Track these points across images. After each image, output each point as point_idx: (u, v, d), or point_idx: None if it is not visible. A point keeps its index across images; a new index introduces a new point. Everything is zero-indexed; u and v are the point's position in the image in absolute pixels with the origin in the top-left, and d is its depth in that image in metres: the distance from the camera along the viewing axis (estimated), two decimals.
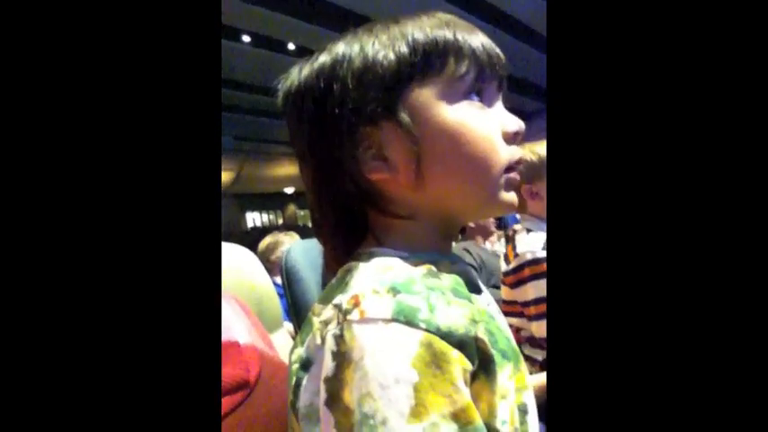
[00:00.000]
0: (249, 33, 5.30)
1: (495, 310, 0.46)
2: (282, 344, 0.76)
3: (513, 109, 0.46)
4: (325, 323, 0.36)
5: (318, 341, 0.36)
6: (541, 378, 0.95)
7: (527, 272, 1.10)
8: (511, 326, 1.17)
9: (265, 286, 0.76)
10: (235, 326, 0.52)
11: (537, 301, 1.09)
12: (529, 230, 1.16)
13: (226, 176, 11.44)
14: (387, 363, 0.32)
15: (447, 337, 0.33)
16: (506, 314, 1.21)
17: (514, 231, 1.23)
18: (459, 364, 0.33)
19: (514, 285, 1.14)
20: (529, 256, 1.10)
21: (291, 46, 5.50)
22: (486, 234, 2.31)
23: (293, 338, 0.53)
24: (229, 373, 0.47)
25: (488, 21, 4.54)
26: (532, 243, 1.11)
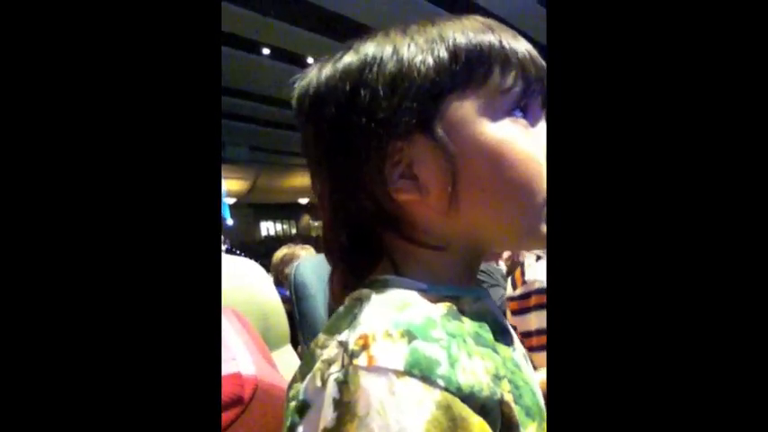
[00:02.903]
0: (269, 47, 5.40)
1: (521, 356, 0.41)
2: (287, 360, 0.76)
3: None
4: (328, 363, 0.32)
5: (319, 383, 0.32)
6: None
7: (533, 300, 1.08)
8: None
9: (272, 302, 0.75)
10: (231, 340, 0.52)
11: (539, 333, 1.05)
12: (539, 257, 1.13)
13: (241, 186, 11.59)
14: (396, 426, 0.28)
15: (469, 399, 0.29)
16: None
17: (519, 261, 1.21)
18: None
19: (518, 313, 1.11)
20: (537, 285, 1.07)
21: (310, 60, 5.59)
22: (497, 255, 2.24)
23: (299, 356, 0.52)
24: (223, 389, 0.46)
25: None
26: (542, 271, 1.07)
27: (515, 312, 1.13)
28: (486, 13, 0.40)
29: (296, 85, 0.41)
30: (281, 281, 2.16)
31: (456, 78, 0.36)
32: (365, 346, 0.30)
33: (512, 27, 0.40)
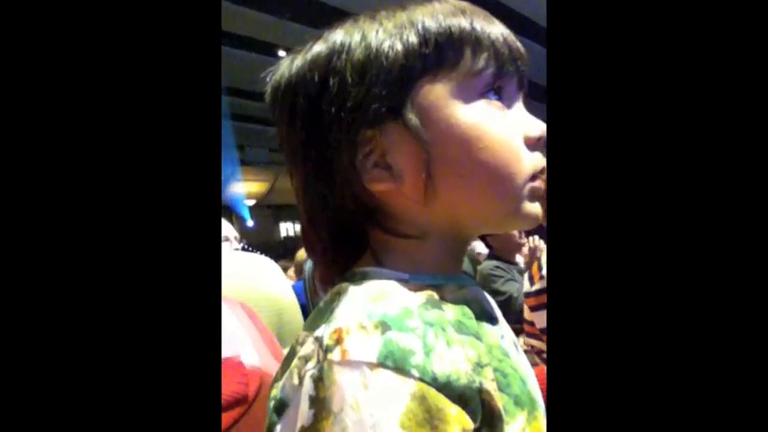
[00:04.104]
0: (285, 49, 5.43)
1: (510, 344, 0.40)
2: None
3: None
4: (305, 360, 0.31)
5: (296, 381, 0.31)
6: None
7: None
8: (533, 347, 1.13)
9: (287, 298, 0.76)
10: (237, 336, 0.51)
11: None
12: None
13: (261, 188, 11.69)
14: (370, 420, 0.27)
15: (445, 388, 0.29)
16: (528, 335, 1.17)
17: (536, 247, 1.19)
18: (459, 423, 0.28)
19: (535, 308, 1.10)
20: None
21: None
22: (514, 249, 2.17)
23: None
24: (227, 388, 0.45)
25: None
26: None
27: (533, 308, 1.11)
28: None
29: (268, 79, 0.40)
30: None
31: (426, 62, 0.35)
32: (339, 341, 0.30)
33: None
